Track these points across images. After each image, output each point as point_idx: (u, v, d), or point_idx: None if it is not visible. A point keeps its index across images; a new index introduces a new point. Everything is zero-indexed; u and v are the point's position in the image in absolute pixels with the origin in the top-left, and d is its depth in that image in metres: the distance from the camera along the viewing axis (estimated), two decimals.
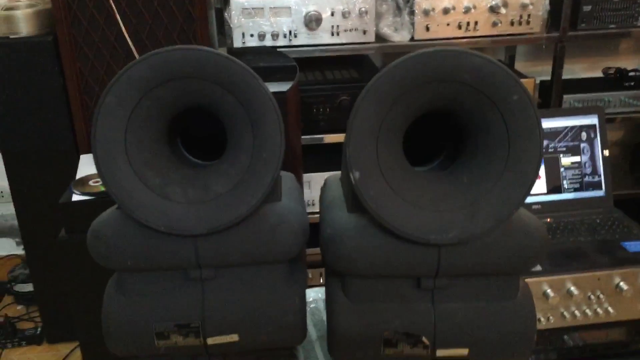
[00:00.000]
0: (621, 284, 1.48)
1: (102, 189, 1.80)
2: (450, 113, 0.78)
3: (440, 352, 0.83)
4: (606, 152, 1.72)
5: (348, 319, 0.83)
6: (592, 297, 1.49)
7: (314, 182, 2.15)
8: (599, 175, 1.72)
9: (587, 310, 1.50)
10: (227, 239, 0.81)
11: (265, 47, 1.95)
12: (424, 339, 0.82)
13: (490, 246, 0.78)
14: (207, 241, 0.81)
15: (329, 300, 0.85)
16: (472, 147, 0.78)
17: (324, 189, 1.06)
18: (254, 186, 0.79)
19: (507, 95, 0.73)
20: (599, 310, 1.50)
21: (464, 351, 0.83)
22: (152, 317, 0.84)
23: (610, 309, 1.50)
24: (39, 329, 2.34)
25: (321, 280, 2.17)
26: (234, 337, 0.86)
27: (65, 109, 2.12)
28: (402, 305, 0.83)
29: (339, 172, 1.12)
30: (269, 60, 1.83)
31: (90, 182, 1.83)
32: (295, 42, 2.00)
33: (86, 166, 1.96)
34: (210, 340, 0.85)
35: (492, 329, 0.82)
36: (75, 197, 1.76)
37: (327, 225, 0.83)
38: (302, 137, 1.98)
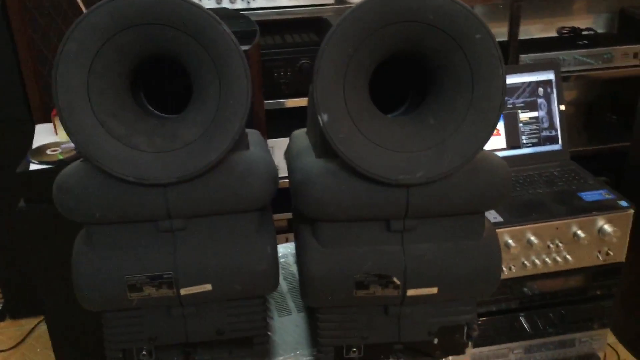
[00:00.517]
0: (578, 232, 1.53)
1: (61, 157, 1.76)
2: (414, 56, 0.79)
3: (410, 292, 0.85)
4: (562, 107, 1.76)
5: (320, 263, 0.84)
6: (551, 245, 1.54)
7: (277, 148, 2.15)
8: (556, 130, 1.76)
9: (547, 259, 1.55)
10: (197, 187, 0.81)
11: (225, 9, 1.92)
12: (395, 279, 0.83)
13: (457, 185, 0.79)
14: (177, 190, 0.80)
15: (301, 246, 0.86)
16: (436, 89, 0.80)
17: (290, 143, 1.06)
18: (222, 133, 0.79)
19: (470, 35, 0.74)
20: (557, 258, 1.55)
21: (434, 290, 0.85)
22: (124, 270, 0.84)
23: (568, 256, 1.55)
24: (1, 305, 2.30)
25: None
26: (207, 287, 0.86)
27: (17, 78, 2.06)
28: (372, 247, 0.84)
29: (304, 129, 1.13)
30: (230, 23, 1.80)
31: (48, 151, 1.79)
32: (253, 4, 1.97)
33: (42, 135, 1.91)
34: (184, 291, 0.85)
35: (460, 268, 0.84)
36: (33, 167, 1.72)
37: (297, 171, 0.83)
38: (265, 101, 1.97)
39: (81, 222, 0.83)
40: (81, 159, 0.84)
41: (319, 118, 0.75)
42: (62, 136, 1.90)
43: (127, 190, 0.80)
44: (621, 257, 1.59)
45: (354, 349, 0.91)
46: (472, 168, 0.79)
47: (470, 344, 0.94)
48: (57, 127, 1.91)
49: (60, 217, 1.85)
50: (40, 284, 1.88)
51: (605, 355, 1.84)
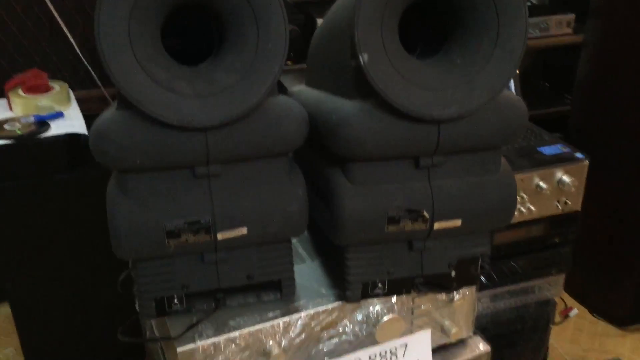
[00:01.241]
0: (540, 183, 1.64)
1: (19, 132, 1.70)
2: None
3: (437, 225, 0.90)
4: (516, 71, 1.87)
5: (353, 201, 0.88)
6: (517, 197, 1.64)
7: None
8: (512, 92, 1.87)
9: None
10: (237, 131, 0.82)
11: None
12: (424, 213, 0.89)
13: (482, 120, 0.85)
14: (217, 135, 0.82)
15: (332, 186, 0.90)
16: (460, 30, 0.85)
17: (296, 97, 1.09)
18: (261, 77, 0.81)
19: None
20: (522, 209, 1.66)
21: (458, 222, 0.91)
22: (162, 217, 0.84)
23: (531, 207, 1.67)
24: None
25: None
26: (243, 231, 0.88)
27: None
28: (401, 184, 0.89)
29: (301, 85, 1.16)
30: None
31: (6, 126, 1.72)
32: None
33: None
34: (221, 236, 0.87)
35: (481, 200, 0.91)
36: None
37: (332, 112, 0.86)
38: None
39: (120, 169, 0.83)
40: (116, 107, 0.83)
41: (360, 58, 0.79)
42: (17, 111, 1.83)
43: (168, 136, 0.80)
44: (577, 206, 1.72)
45: (379, 285, 0.96)
46: (495, 105, 0.86)
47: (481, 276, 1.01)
48: (11, 102, 1.84)
49: (24, 196, 1.79)
50: (3, 268, 1.81)
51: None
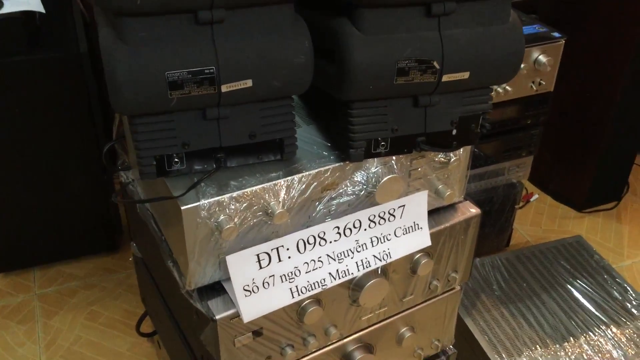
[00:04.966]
0: None
1: None
2: None
3: (446, 77, 0.89)
4: None
5: (363, 51, 0.85)
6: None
7: None
8: None
9: None
10: None
11: None
12: (435, 63, 0.87)
13: None
14: None
15: (340, 37, 0.86)
16: None
17: None
18: None
19: None
20: (499, 89, 1.67)
21: (465, 75, 0.90)
22: (164, 66, 0.79)
23: (508, 87, 1.68)
24: None
25: None
26: (248, 83, 0.84)
27: None
28: (412, 34, 0.86)
29: None
30: None
31: None
32: None
33: None
34: (225, 88, 0.83)
35: (490, 51, 0.89)
36: None
37: None
38: None
39: (119, 10, 0.77)
40: None
41: None
42: None
43: None
44: (551, 86, 1.74)
45: (383, 143, 0.95)
46: None
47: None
48: None
49: None
50: None
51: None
